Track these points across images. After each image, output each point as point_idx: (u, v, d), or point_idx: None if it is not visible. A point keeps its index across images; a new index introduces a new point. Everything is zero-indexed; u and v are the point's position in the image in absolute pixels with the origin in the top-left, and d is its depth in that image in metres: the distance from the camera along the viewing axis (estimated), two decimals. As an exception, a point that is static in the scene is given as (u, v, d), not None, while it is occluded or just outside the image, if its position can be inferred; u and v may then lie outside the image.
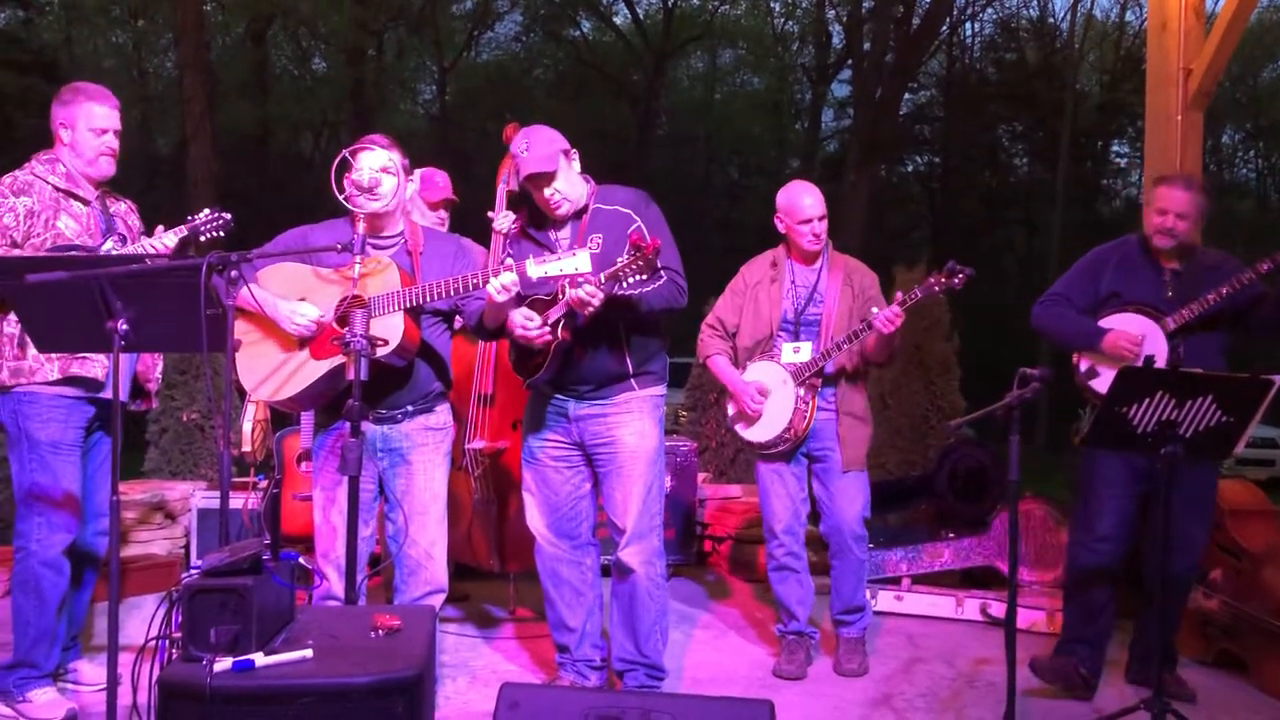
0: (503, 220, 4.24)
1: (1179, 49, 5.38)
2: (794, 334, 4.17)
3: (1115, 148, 29.96)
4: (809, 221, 4.12)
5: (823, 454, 4.19)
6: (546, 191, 3.54)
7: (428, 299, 3.35)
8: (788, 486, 4.23)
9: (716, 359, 4.33)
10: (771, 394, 4.14)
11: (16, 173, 3.56)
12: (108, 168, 3.66)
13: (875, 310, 3.92)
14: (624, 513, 3.62)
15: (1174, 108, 5.40)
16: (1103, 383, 3.85)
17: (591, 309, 3.27)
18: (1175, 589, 3.86)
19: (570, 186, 3.57)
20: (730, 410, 4.29)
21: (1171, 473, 3.19)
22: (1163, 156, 5.41)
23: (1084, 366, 3.99)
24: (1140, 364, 3.72)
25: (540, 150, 3.52)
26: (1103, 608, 3.97)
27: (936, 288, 3.85)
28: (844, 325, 4.09)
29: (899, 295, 3.92)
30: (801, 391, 4.09)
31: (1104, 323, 3.94)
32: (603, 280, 3.21)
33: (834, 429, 4.16)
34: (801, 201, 4.14)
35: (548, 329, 3.36)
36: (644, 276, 3.19)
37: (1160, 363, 3.75)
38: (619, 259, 3.19)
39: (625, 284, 3.21)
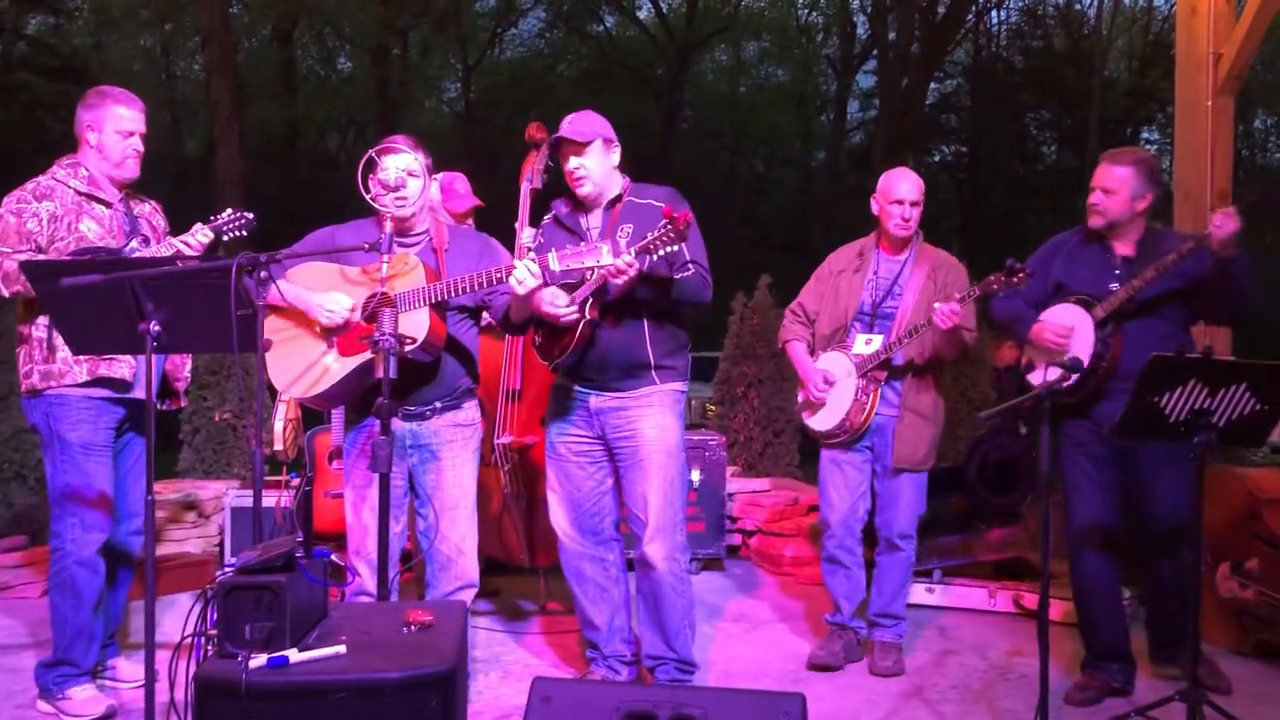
0: (527, 235, 4.27)
1: (1209, 33, 5.31)
2: (869, 325, 4.12)
3: (1145, 134, 29.62)
4: (900, 203, 4.07)
5: (882, 449, 4.14)
6: (572, 163, 3.58)
7: (453, 294, 3.37)
8: (846, 478, 4.19)
9: (794, 344, 4.31)
10: (837, 384, 4.12)
11: (39, 178, 3.60)
12: (134, 169, 3.70)
13: (937, 305, 3.84)
14: (645, 506, 3.63)
15: (1204, 93, 5.33)
16: (1037, 376, 3.76)
17: (626, 279, 3.28)
18: (1175, 563, 3.74)
19: (599, 169, 3.59)
20: (800, 397, 4.28)
21: (1195, 458, 3.15)
22: (1193, 143, 5.35)
23: (1024, 360, 3.95)
24: (1068, 356, 3.57)
25: (579, 125, 3.60)
26: (1110, 611, 3.87)
27: (995, 285, 3.77)
28: (921, 319, 3.98)
29: (956, 294, 3.87)
30: (863, 383, 4.06)
31: (1045, 315, 3.83)
32: (634, 253, 3.23)
33: (895, 425, 4.10)
34: (898, 183, 4.10)
35: (575, 308, 3.40)
36: (675, 248, 3.21)
37: (1085, 357, 3.62)
38: (650, 233, 3.22)
39: (655, 257, 3.23)
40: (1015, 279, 3.71)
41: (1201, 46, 5.35)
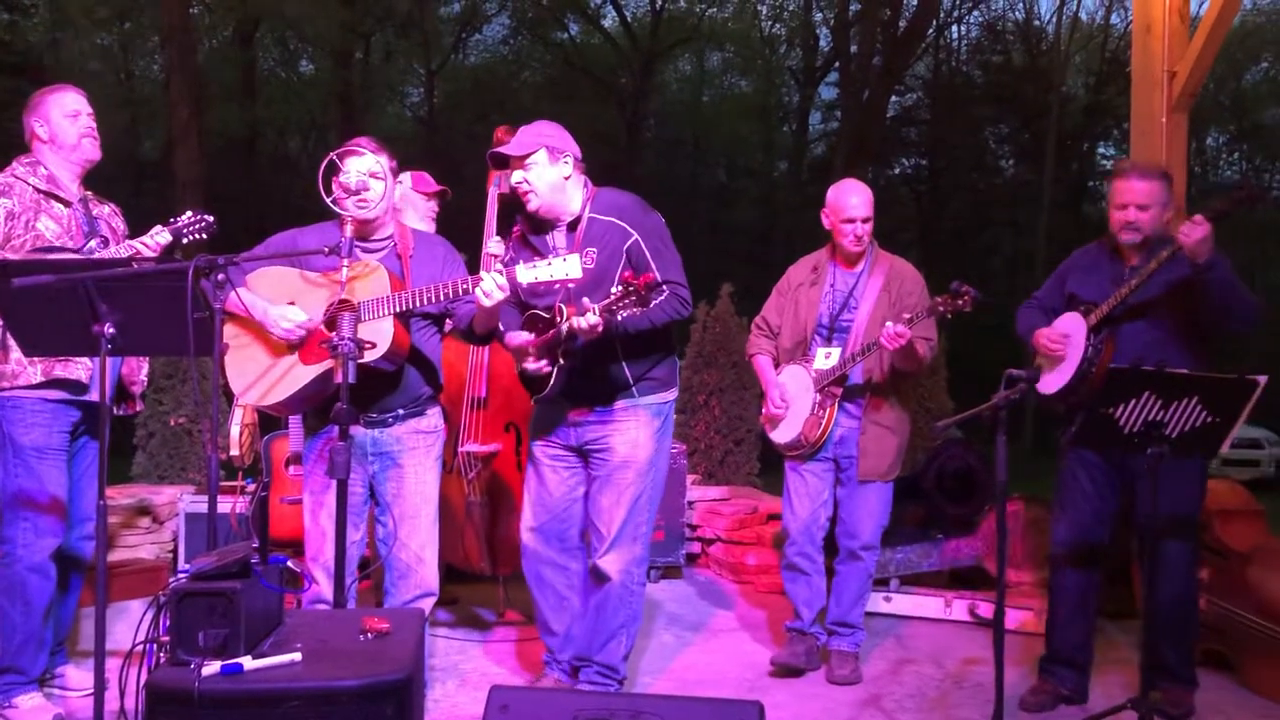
0: (495, 244, 4.25)
1: (1164, 51, 5.40)
2: (828, 338, 4.15)
3: (1101, 150, 30.08)
4: (852, 221, 4.08)
5: (846, 462, 4.16)
6: (516, 176, 3.53)
7: (418, 304, 3.34)
8: (809, 486, 4.21)
9: (759, 358, 4.34)
10: (795, 399, 4.14)
11: None
12: (92, 150, 3.66)
13: (888, 325, 3.84)
14: (609, 520, 3.63)
15: (1159, 110, 5.42)
16: (1043, 384, 3.82)
17: (589, 337, 3.29)
18: (1166, 590, 3.72)
19: (543, 181, 3.51)
20: (763, 410, 4.31)
21: (1153, 472, 3.19)
22: (1148, 159, 5.43)
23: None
24: (1078, 362, 3.69)
25: (522, 137, 3.55)
26: (1075, 619, 3.91)
27: (942, 308, 3.79)
28: (875, 332, 3.98)
29: (903, 315, 3.88)
30: (819, 398, 4.08)
31: (1054, 323, 3.88)
32: (598, 311, 3.21)
33: (857, 437, 4.12)
34: (847, 200, 4.10)
35: (546, 363, 3.41)
36: (637, 311, 3.20)
37: (1074, 360, 3.71)
38: (613, 289, 3.18)
39: (619, 316, 3.22)
40: (960, 301, 3.75)
41: (1156, 64, 5.43)
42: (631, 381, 3.59)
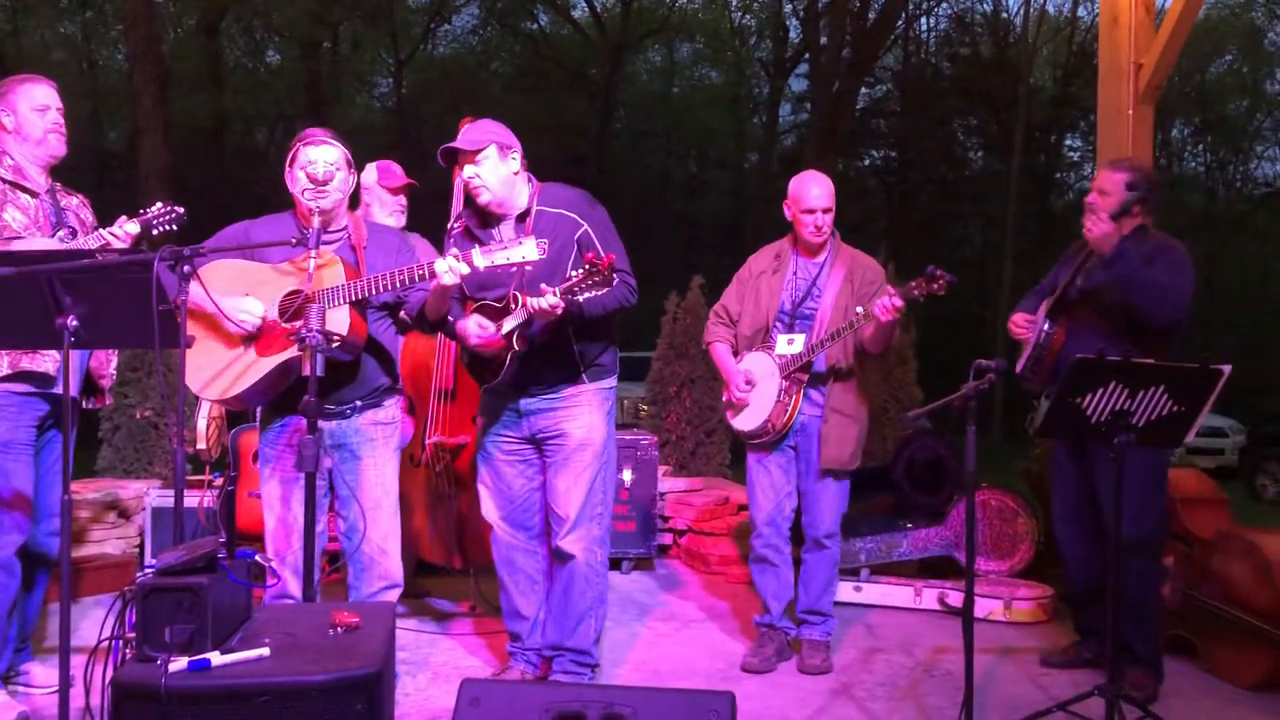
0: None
1: (1130, 43, 5.44)
2: (789, 326, 4.16)
3: (1068, 141, 30.35)
4: (812, 212, 4.11)
5: (807, 450, 4.17)
6: (468, 171, 3.55)
7: (374, 291, 3.33)
8: (772, 478, 4.22)
9: (716, 345, 4.35)
10: (759, 384, 4.15)
11: None
12: (58, 146, 3.61)
13: (882, 299, 3.83)
14: (566, 502, 3.66)
15: (1125, 101, 5.46)
16: (1019, 364, 4.05)
17: (549, 319, 3.33)
18: (1125, 569, 3.75)
19: (494, 176, 3.55)
20: (724, 397, 4.31)
21: (1115, 458, 3.24)
22: (1114, 150, 5.47)
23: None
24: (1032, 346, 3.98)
25: (471, 134, 3.59)
26: (1084, 596, 4.11)
27: (916, 291, 3.81)
28: (838, 320, 4.03)
29: (890, 289, 3.89)
30: (785, 384, 4.08)
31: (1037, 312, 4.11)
32: (558, 294, 3.24)
33: (820, 425, 4.13)
34: (808, 190, 4.12)
35: (502, 339, 3.41)
36: (599, 292, 3.25)
37: (1031, 343, 3.98)
38: (573, 272, 3.24)
39: (580, 298, 3.26)
40: (935, 285, 3.78)
41: (1123, 56, 5.48)
42: (582, 367, 3.65)
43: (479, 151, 3.53)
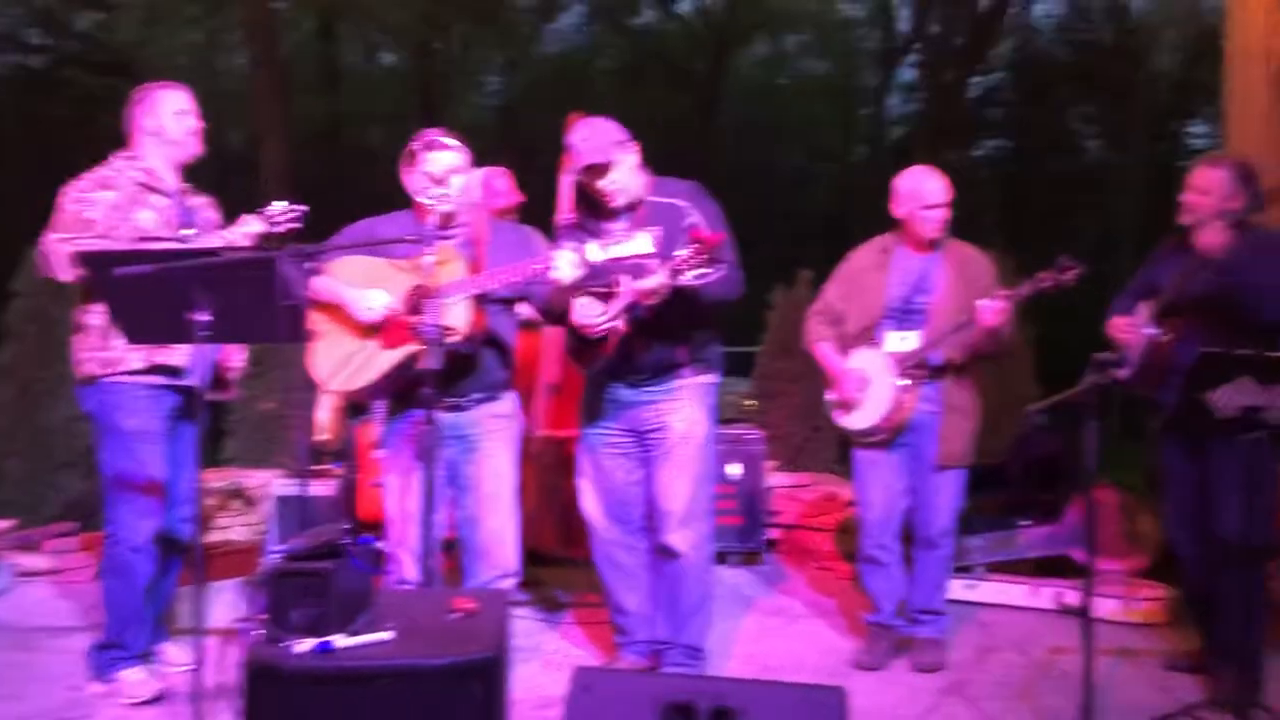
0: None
1: (1261, 25, 5.22)
2: (900, 322, 4.09)
3: (1192, 129, 29.16)
4: (935, 207, 4.05)
5: (921, 447, 4.11)
6: (602, 182, 3.58)
7: (494, 286, 3.40)
8: (883, 476, 4.16)
9: (820, 345, 4.29)
10: (872, 382, 4.09)
11: (98, 169, 3.69)
12: (197, 145, 3.80)
13: (984, 301, 3.81)
14: (672, 496, 3.66)
15: (1256, 87, 5.24)
16: (1121, 370, 3.78)
17: (656, 300, 3.32)
18: (1229, 569, 3.66)
19: (628, 177, 3.61)
20: (831, 397, 4.26)
21: (1248, 457, 3.12)
22: (1244, 138, 5.27)
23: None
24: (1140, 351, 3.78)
25: (598, 141, 3.60)
26: (1206, 599, 3.88)
27: (1046, 283, 3.73)
28: (952, 316, 3.96)
29: (1003, 290, 3.84)
30: (902, 381, 4.02)
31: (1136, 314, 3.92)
32: (666, 273, 3.25)
33: (935, 422, 4.07)
34: (928, 186, 4.07)
35: (606, 320, 3.42)
36: (706, 271, 3.23)
37: (1138, 349, 3.79)
38: (679, 251, 3.23)
39: (687, 276, 3.24)
40: (1065, 276, 3.68)
41: (1254, 39, 5.25)
42: (685, 359, 3.65)
43: (617, 160, 3.58)
